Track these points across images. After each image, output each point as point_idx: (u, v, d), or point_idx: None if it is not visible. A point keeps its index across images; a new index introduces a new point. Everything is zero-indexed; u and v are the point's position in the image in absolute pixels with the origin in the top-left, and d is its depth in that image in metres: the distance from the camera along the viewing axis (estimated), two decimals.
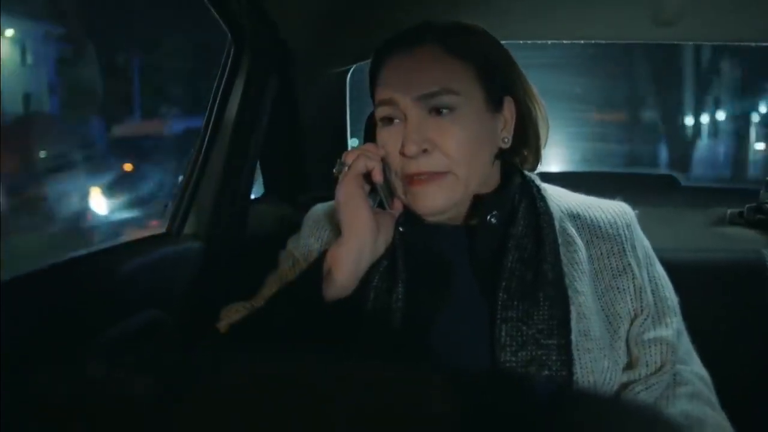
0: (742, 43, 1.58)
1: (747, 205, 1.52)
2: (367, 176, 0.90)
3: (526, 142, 0.97)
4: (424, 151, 0.86)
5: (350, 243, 0.86)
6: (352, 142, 1.77)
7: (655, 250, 0.96)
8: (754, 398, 1.18)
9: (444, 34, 0.90)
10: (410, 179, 0.88)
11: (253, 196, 1.62)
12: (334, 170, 0.91)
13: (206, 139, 1.42)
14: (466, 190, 0.88)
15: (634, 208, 0.96)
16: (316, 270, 0.86)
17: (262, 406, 0.29)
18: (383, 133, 0.90)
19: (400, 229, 0.90)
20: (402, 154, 0.87)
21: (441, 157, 0.86)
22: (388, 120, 0.90)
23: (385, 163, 0.90)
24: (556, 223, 0.89)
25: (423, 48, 0.89)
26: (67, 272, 1.06)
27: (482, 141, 0.89)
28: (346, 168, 0.89)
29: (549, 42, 1.58)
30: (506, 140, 0.93)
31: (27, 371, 0.32)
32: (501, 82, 0.92)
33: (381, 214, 0.90)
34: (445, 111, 0.86)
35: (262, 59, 1.43)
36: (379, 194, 0.92)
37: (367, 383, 0.30)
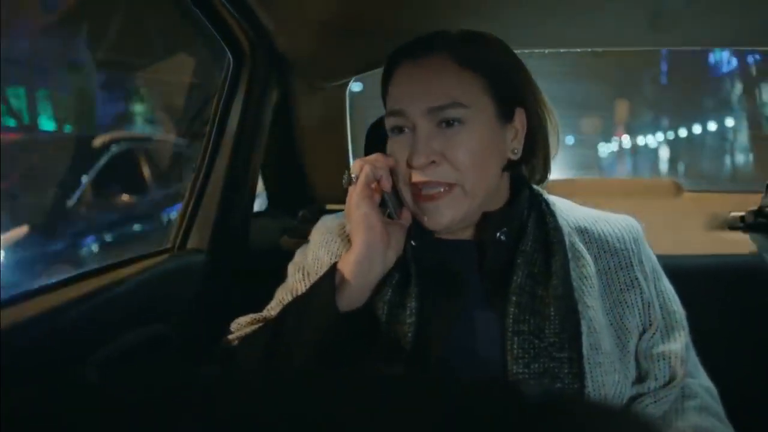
0: (740, 48, 1.59)
1: (748, 209, 1.52)
2: (377, 186, 0.90)
3: (535, 153, 0.96)
4: (432, 162, 0.86)
5: (361, 254, 0.86)
6: None
7: (657, 255, 0.96)
8: (755, 402, 1.18)
9: (456, 43, 0.90)
10: (418, 193, 0.88)
11: (255, 210, 1.63)
12: (343, 182, 0.91)
13: (208, 154, 1.43)
14: (473, 202, 0.88)
15: (638, 219, 0.96)
16: (328, 281, 0.86)
17: (268, 417, 0.29)
18: (392, 143, 0.91)
19: (412, 243, 0.90)
20: (409, 165, 0.87)
21: (449, 168, 0.86)
22: (398, 130, 0.90)
23: (393, 172, 0.90)
24: (565, 238, 0.89)
25: (434, 58, 0.88)
26: (71, 287, 1.06)
27: (491, 153, 0.89)
28: (355, 178, 0.89)
29: (546, 51, 1.59)
30: (516, 151, 0.92)
31: (30, 386, 0.33)
32: (512, 92, 0.91)
33: (391, 224, 0.90)
34: (454, 123, 0.86)
35: (262, 74, 1.44)
36: (388, 204, 0.92)
37: (374, 394, 0.30)
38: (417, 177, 0.87)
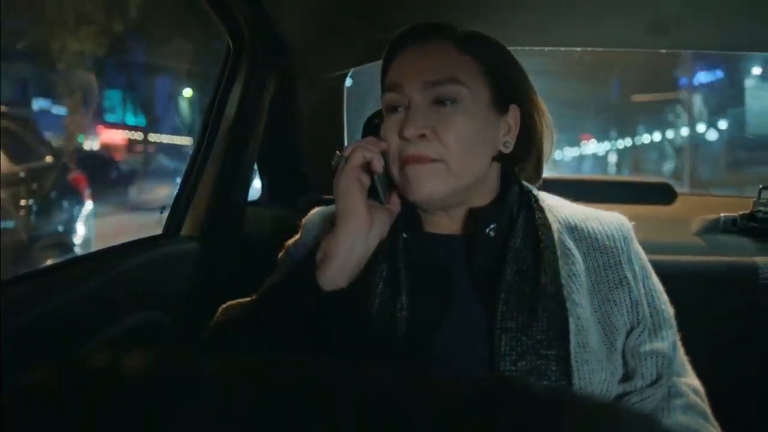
0: (737, 52, 1.60)
1: (740, 213, 1.53)
2: (367, 170, 0.90)
3: (527, 154, 0.97)
4: (423, 136, 0.87)
5: (343, 233, 0.86)
6: None
7: (648, 256, 0.96)
8: (743, 406, 1.19)
9: (458, 32, 0.93)
10: (405, 161, 0.88)
11: (251, 199, 1.63)
12: (333, 162, 0.91)
13: (204, 141, 1.43)
14: (457, 182, 0.89)
15: (630, 218, 0.97)
16: (309, 260, 0.87)
17: (251, 405, 0.29)
18: (386, 123, 0.92)
19: (404, 235, 0.91)
20: (401, 136, 0.88)
21: (438, 144, 0.87)
22: (393, 108, 0.91)
23: (384, 155, 0.90)
24: (555, 235, 0.90)
25: (435, 42, 0.91)
26: (64, 273, 1.06)
27: (482, 138, 0.90)
28: (345, 160, 0.89)
29: (546, 49, 1.59)
30: (508, 144, 0.93)
31: (24, 372, 0.33)
32: (508, 88, 0.93)
33: (377, 207, 0.90)
34: (448, 102, 0.88)
35: (261, 62, 1.44)
36: (377, 189, 0.92)
37: (369, 388, 0.30)
38: (406, 151, 0.88)
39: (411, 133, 0.87)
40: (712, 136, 14.07)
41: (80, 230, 4.64)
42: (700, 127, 14.33)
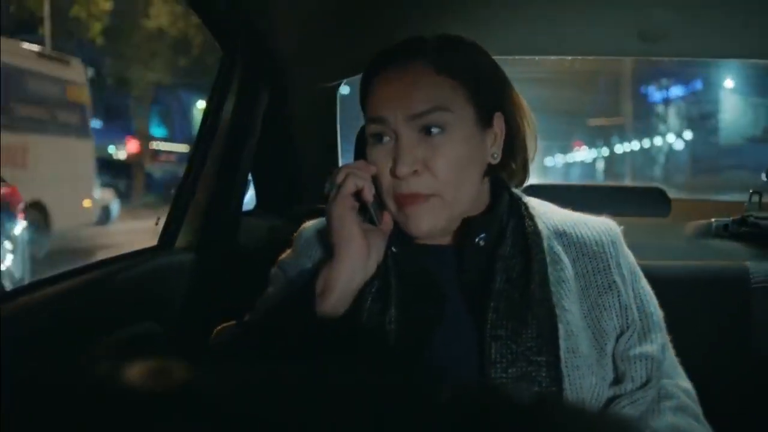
0: (726, 59, 1.61)
1: (732, 218, 1.54)
2: (357, 193, 0.90)
3: (514, 156, 0.97)
4: (415, 172, 0.86)
5: (342, 265, 0.86)
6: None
7: (640, 261, 0.97)
8: (735, 409, 1.19)
9: (435, 51, 0.90)
10: (400, 200, 0.88)
11: (245, 209, 1.63)
12: (325, 189, 0.91)
13: (198, 152, 1.43)
14: (452, 212, 0.89)
15: (620, 223, 0.97)
16: (309, 291, 0.86)
17: (246, 416, 0.30)
18: (373, 151, 0.90)
19: (393, 249, 0.90)
20: (393, 174, 0.87)
21: (430, 178, 0.87)
22: (378, 137, 0.90)
23: (375, 180, 0.90)
24: (544, 242, 0.90)
25: (414, 66, 0.88)
26: (60, 285, 1.06)
27: (472, 161, 0.89)
28: (337, 188, 0.89)
29: (537, 57, 1.60)
30: (495, 155, 0.92)
31: (22, 383, 0.33)
32: (491, 97, 0.92)
33: (371, 231, 0.90)
34: (436, 131, 0.86)
35: (254, 73, 1.44)
36: (369, 210, 0.93)
37: (361, 399, 0.30)
38: (400, 188, 0.88)
39: (404, 172, 0.86)
40: (678, 145, 16.43)
41: (6, 254, 3.59)
42: (670, 138, 16.60)
